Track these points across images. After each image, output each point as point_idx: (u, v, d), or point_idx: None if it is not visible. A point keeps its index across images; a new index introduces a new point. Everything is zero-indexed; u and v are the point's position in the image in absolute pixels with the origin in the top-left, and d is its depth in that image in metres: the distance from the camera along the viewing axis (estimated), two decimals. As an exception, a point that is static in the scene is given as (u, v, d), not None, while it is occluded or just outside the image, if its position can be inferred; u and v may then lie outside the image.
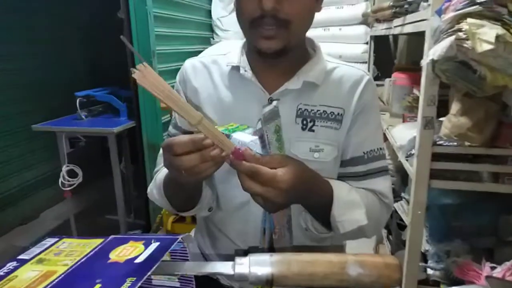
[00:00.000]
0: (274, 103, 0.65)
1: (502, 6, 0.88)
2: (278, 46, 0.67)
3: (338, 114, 0.75)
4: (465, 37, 0.90)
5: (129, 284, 0.41)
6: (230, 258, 0.50)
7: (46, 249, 0.55)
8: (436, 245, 1.38)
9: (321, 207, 0.70)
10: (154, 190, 0.80)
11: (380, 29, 2.17)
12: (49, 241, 0.57)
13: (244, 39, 0.79)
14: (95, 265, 0.49)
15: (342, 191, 0.72)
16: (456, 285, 1.17)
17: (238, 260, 0.48)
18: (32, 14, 2.66)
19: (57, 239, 0.58)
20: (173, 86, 0.83)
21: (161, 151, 0.88)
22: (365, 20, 2.70)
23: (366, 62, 2.80)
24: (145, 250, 0.50)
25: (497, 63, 0.92)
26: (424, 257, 1.40)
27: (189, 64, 0.81)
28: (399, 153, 1.42)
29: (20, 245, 2.44)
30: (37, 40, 2.74)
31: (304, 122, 0.74)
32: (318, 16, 3.01)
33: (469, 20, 0.91)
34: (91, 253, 0.51)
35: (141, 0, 1.95)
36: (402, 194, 1.72)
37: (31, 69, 2.72)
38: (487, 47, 0.87)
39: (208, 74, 0.79)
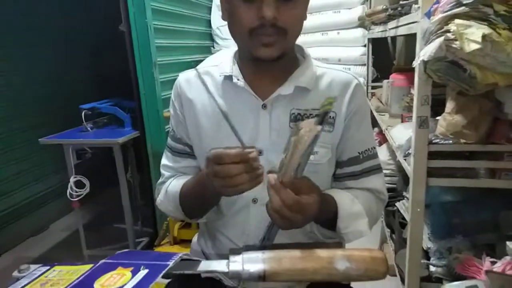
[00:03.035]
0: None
1: (488, 6, 0.90)
2: (277, 53, 0.70)
3: (331, 117, 0.78)
4: (453, 37, 0.93)
5: None
6: (237, 253, 0.53)
7: (34, 279, 0.54)
8: (438, 242, 1.39)
9: (326, 221, 0.75)
10: (165, 201, 0.84)
11: (377, 32, 2.20)
12: (40, 270, 0.56)
13: (235, 49, 0.82)
14: None
15: (345, 204, 0.76)
16: (457, 281, 1.18)
17: (232, 258, 0.50)
18: (36, 29, 2.73)
19: (48, 267, 0.57)
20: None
21: (162, 161, 0.92)
22: (362, 23, 2.73)
23: (365, 65, 2.83)
24: (132, 278, 0.49)
25: (486, 62, 0.95)
26: (426, 255, 1.42)
27: (182, 77, 0.85)
28: (397, 153, 1.44)
29: (31, 256, 2.49)
30: (42, 55, 2.80)
31: None
32: (316, 21, 3.06)
33: (457, 21, 0.93)
34: (75, 282, 0.50)
35: (141, 13, 2.00)
36: (404, 193, 1.73)
37: (38, 83, 2.78)
38: (474, 46, 0.89)
39: (202, 85, 0.82)
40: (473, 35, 0.90)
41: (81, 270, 0.53)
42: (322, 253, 0.49)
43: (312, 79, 0.78)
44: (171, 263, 0.51)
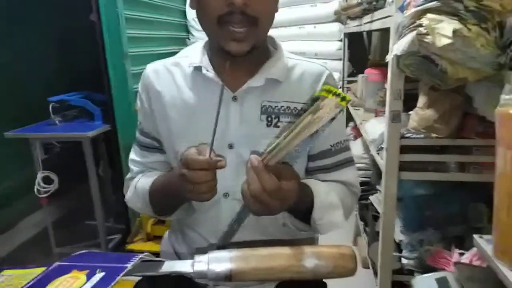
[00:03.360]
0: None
1: (458, 1, 0.91)
2: (248, 48, 0.68)
3: (302, 109, 0.77)
4: (425, 32, 0.93)
5: None
6: (203, 252, 0.51)
7: None
8: (410, 234, 1.42)
9: (302, 210, 0.73)
10: (134, 198, 0.82)
11: (353, 26, 2.21)
12: None
13: (205, 40, 0.79)
14: None
15: (321, 194, 0.74)
16: (429, 273, 1.20)
17: (197, 258, 0.48)
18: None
19: None
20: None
21: (131, 155, 0.89)
22: (338, 18, 2.74)
23: (341, 59, 2.85)
24: (86, 282, 0.46)
25: (456, 57, 0.96)
26: (399, 247, 1.44)
27: (150, 68, 0.81)
28: (371, 147, 1.45)
29: (-3, 255, 2.39)
30: (6, 46, 2.67)
31: (269, 118, 0.75)
32: (293, 14, 3.05)
33: (429, 15, 0.94)
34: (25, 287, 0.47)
35: (112, 2, 1.93)
36: (377, 187, 1.76)
37: (1, 75, 2.65)
38: (445, 41, 0.90)
39: (171, 76, 0.79)
40: (444, 30, 0.90)
41: (33, 274, 0.50)
42: (291, 250, 0.48)
43: (283, 70, 0.77)
44: (129, 266, 0.48)
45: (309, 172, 0.83)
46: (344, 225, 0.78)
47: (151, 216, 0.87)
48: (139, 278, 0.92)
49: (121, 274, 0.47)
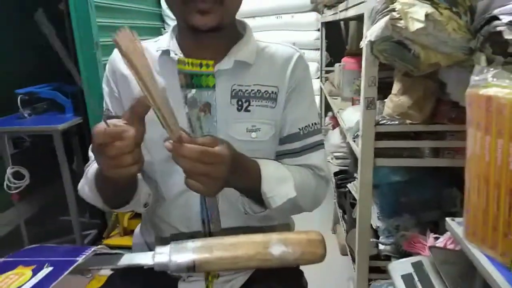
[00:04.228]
0: (193, 91, 0.63)
1: (430, -15, 0.90)
2: (213, 23, 0.66)
3: (273, 92, 0.75)
4: (398, 16, 0.93)
5: None
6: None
7: None
8: (386, 220, 1.43)
9: (252, 186, 0.70)
10: (85, 186, 0.76)
11: (329, 15, 2.20)
12: None
13: (174, 24, 0.77)
14: None
15: (269, 168, 0.72)
16: (405, 257, 1.22)
17: (158, 249, 0.46)
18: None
19: None
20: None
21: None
22: (315, 7, 2.73)
23: (319, 49, 2.84)
24: (31, 278, 0.43)
25: (429, 41, 0.96)
26: (376, 233, 1.45)
27: (117, 52, 0.78)
28: (347, 135, 1.45)
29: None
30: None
31: (240, 102, 0.74)
32: (270, 3, 3.03)
33: None
34: None
35: (80, -11, 1.85)
36: (355, 175, 1.77)
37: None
38: (418, 25, 0.89)
39: None
40: (416, 14, 0.90)
41: None
42: (257, 238, 0.46)
43: (252, 53, 0.75)
44: (80, 259, 0.45)
45: (278, 157, 0.81)
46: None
47: (104, 209, 0.80)
48: (111, 272, 0.89)
49: (70, 269, 0.43)
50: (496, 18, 0.84)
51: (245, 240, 0.46)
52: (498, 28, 0.83)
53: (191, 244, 0.46)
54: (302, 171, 0.78)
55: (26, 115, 2.05)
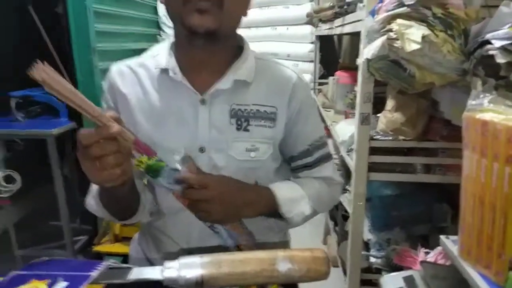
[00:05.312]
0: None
1: (427, 8, 0.94)
2: (211, 24, 0.65)
3: (271, 112, 0.76)
4: (395, 37, 0.96)
5: None
6: (174, 258, 0.49)
7: None
8: (378, 234, 1.45)
9: (268, 212, 0.77)
10: (91, 200, 0.76)
11: (324, 29, 2.24)
12: None
13: (172, 40, 0.77)
14: None
15: (283, 191, 0.78)
16: (396, 271, 1.24)
17: (167, 264, 0.47)
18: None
19: None
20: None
21: None
22: (310, 20, 2.77)
23: (312, 61, 2.88)
24: None
25: (424, 62, 0.99)
26: (367, 246, 1.47)
27: (115, 69, 0.78)
28: (341, 148, 1.48)
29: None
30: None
31: (239, 122, 0.74)
32: (266, 15, 3.04)
33: (399, 21, 0.96)
34: None
35: (80, -5, 1.86)
36: (347, 187, 1.79)
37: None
38: (414, 46, 0.92)
39: (136, 78, 0.76)
40: (413, 35, 0.93)
41: None
42: (263, 255, 0.47)
43: (251, 71, 0.75)
44: (95, 274, 0.45)
45: (294, 171, 0.86)
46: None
47: (113, 221, 0.80)
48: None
49: (86, 283, 0.44)
50: (488, 42, 0.88)
51: (252, 257, 0.47)
52: (490, 52, 0.86)
53: (199, 259, 0.47)
54: (316, 183, 0.83)
55: (20, 118, 2.03)
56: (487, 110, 0.57)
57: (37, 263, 0.49)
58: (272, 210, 0.77)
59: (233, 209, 0.71)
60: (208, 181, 0.68)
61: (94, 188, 0.75)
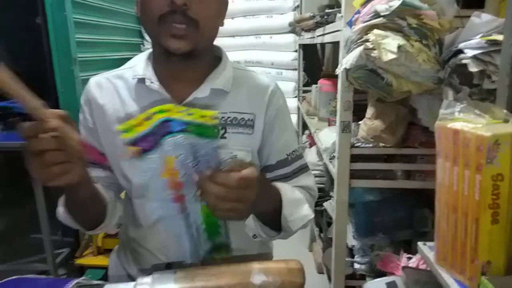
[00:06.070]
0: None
1: (402, 19, 0.96)
2: (187, 47, 0.66)
3: (249, 119, 0.77)
4: (372, 47, 0.97)
5: None
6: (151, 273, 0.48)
7: None
8: (361, 240, 1.46)
9: (271, 209, 0.72)
10: (60, 209, 0.74)
11: (306, 38, 2.27)
12: None
13: (150, 50, 0.77)
14: None
15: (287, 191, 0.75)
16: (379, 277, 1.24)
17: (140, 280, 0.46)
18: None
19: None
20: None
21: None
22: (293, 29, 2.80)
23: (296, 69, 2.91)
24: None
25: (401, 71, 1.01)
26: (351, 252, 1.48)
27: (93, 82, 0.78)
28: (324, 155, 1.49)
29: None
30: None
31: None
32: (250, 24, 3.07)
33: (375, 31, 0.98)
34: None
35: (59, 5, 1.84)
36: (331, 194, 1.80)
37: None
38: (391, 56, 0.94)
39: (114, 89, 0.75)
40: (389, 45, 0.95)
41: None
42: (238, 268, 0.47)
43: (229, 80, 0.76)
44: None
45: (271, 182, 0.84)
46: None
47: (82, 230, 0.79)
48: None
49: None
50: (461, 51, 0.90)
51: (226, 270, 0.47)
52: (464, 61, 0.89)
53: (173, 274, 0.47)
54: (302, 191, 0.81)
55: (-2, 130, 1.99)
56: (458, 119, 0.58)
57: (6, 281, 0.48)
58: (274, 209, 0.72)
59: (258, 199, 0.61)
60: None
61: (63, 196, 0.74)
